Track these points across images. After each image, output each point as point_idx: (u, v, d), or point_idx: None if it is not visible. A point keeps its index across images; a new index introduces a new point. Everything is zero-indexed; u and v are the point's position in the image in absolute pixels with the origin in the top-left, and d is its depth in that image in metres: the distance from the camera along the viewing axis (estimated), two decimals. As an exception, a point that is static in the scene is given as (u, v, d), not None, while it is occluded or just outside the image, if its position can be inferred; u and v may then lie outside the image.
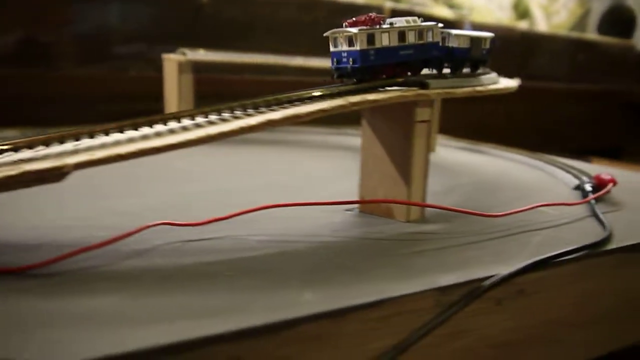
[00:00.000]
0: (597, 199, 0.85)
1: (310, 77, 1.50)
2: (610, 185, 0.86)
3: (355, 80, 0.64)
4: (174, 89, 1.35)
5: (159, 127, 0.55)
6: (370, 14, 0.65)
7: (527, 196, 0.89)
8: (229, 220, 0.65)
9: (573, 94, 2.56)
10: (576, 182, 0.96)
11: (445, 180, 1.00)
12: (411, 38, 0.69)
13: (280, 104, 0.61)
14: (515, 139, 2.35)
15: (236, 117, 0.57)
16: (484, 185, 0.98)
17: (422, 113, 0.69)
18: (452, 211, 0.72)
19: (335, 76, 0.65)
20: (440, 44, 0.74)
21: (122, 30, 1.49)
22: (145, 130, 0.54)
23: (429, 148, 0.71)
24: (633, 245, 0.65)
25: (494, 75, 0.94)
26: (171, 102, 1.36)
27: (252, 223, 0.67)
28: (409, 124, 0.68)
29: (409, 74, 0.70)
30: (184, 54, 1.35)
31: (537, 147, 2.39)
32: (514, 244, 0.64)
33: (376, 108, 0.69)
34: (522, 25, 2.68)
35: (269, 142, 1.37)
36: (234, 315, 0.43)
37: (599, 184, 0.88)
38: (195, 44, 1.59)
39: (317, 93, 0.62)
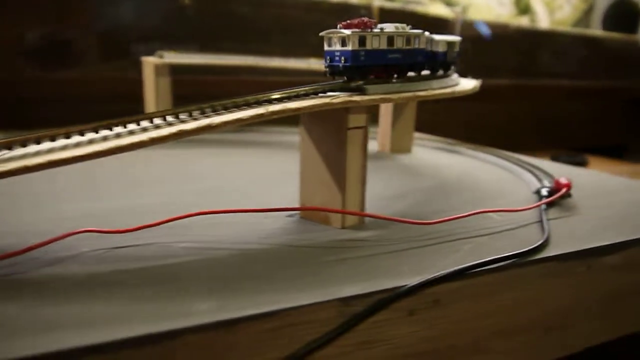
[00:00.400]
0: (552, 204, 0.84)
1: (295, 77, 1.51)
2: (564, 190, 0.84)
3: (345, 78, 0.69)
4: (151, 91, 1.36)
5: (85, 137, 0.55)
6: (364, 18, 0.69)
7: (482, 200, 0.88)
8: (165, 225, 0.66)
9: (575, 91, 2.51)
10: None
11: (404, 183, 0.99)
12: (399, 43, 0.74)
13: (227, 108, 0.61)
14: (515, 137, 2.33)
15: (169, 124, 0.57)
16: (443, 188, 0.97)
17: (355, 119, 0.68)
18: (383, 219, 0.72)
19: (327, 73, 0.70)
20: (426, 49, 0.80)
21: (107, 31, 1.51)
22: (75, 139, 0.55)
23: (365, 154, 0.71)
24: (564, 255, 0.64)
25: (455, 77, 0.93)
26: (150, 104, 1.38)
27: (185, 229, 0.68)
28: (341, 131, 0.68)
29: (395, 75, 0.75)
30: (161, 56, 1.36)
31: (537, 145, 2.36)
32: (441, 252, 0.63)
33: (311, 113, 0.69)
34: (523, 21, 2.64)
35: (233, 143, 1.37)
36: (117, 325, 0.44)
37: (557, 188, 0.87)
38: (180, 45, 1.61)
39: (276, 96, 0.64)
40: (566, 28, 2.64)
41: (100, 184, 0.92)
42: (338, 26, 0.68)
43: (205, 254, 0.61)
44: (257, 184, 0.97)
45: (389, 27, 0.73)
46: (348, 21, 0.68)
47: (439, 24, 2.03)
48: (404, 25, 0.75)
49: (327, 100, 0.64)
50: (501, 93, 2.25)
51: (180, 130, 0.55)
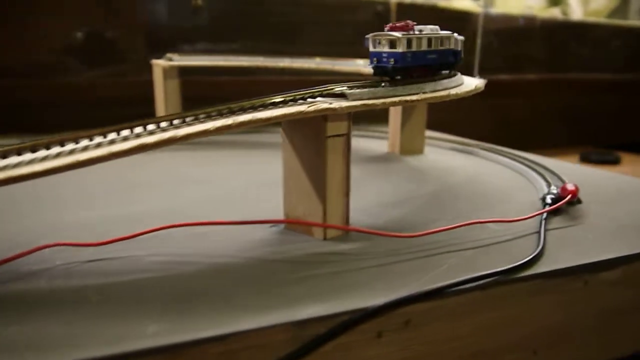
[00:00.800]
0: (558, 211, 0.79)
1: (306, 77, 1.49)
2: (568, 197, 0.79)
3: (392, 78, 0.73)
4: (160, 94, 1.36)
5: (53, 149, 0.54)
6: (408, 21, 0.74)
7: (485, 207, 0.84)
8: (143, 237, 0.65)
9: (609, 85, 2.39)
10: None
11: (407, 188, 0.95)
12: (436, 44, 0.78)
13: (198, 118, 0.60)
14: (544, 134, 2.24)
15: (137, 135, 0.55)
16: (447, 193, 0.93)
17: (334, 127, 0.65)
18: (362, 232, 0.68)
19: (374, 73, 0.73)
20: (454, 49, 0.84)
21: (118, 35, 1.53)
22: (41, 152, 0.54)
23: (347, 163, 0.68)
24: (556, 271, 0.60)
25: (458, 77, 0.89)
26: (160, 107, 1.38)
27: (161, 241, 0.66)
28: (320, 139, 0.65)
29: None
30: (170, 59, 1.36)
31: (568, 142, 2.26)
32: (422, 267, 0.59)
33: (291, 120, 0.66)
34: (555, 12, 2.52)
35: (237, 144, 1.36)
36: (63, 348, 0.43)
37: (563, 195, 0.81)
38: (194, 45, 1.61)
39: (278, 99, 0.63)
40: (599, 19, 2.51)
41: (87, 190, 0.91)
42: (385, 29, 0.72)
43: (174, 269, 0.60)
44: (251, 190, 0.95)
45: (426, 29, 0.77)
46: (395, 24, 0.72)
47: (460, 18, 1.96)
48: (437, 27, 0.79)
49: (301, 108, 0.62)
50: (529, 88, 2.17)
51: (141, 144, 0.53)
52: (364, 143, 1.39)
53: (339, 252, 0.64)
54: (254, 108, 0.63)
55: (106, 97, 1.51)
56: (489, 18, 2.01)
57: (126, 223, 0.71)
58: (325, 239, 0.68)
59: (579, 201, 0.85)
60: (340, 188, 0.68)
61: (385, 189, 0.95)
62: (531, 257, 0.60)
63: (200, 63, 1.37)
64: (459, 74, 0.93)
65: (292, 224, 0.71)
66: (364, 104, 0.67)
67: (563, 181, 0.95)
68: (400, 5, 1.84)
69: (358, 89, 0.69)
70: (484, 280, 0.56)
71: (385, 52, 0.70)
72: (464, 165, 1.16)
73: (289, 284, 0.55)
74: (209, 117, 0.60)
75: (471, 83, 0.90)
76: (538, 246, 0.64)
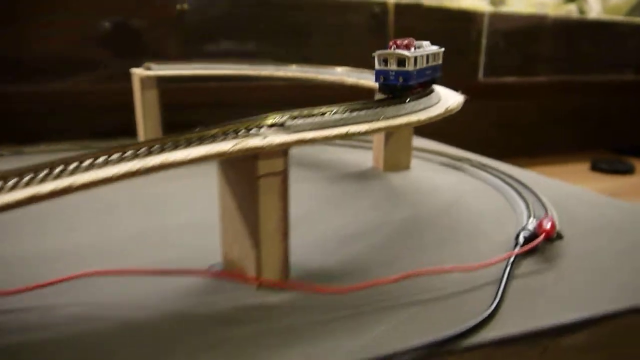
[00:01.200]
0: (533, 250, 0.71)
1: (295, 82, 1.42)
2: (541, 237, 0.71)
3: (397, 96, 0.72)
4: (139, 104, 1.32)
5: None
6: (411, 39, 0.74)
7: (454, 242, 0.77)
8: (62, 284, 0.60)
9: (624, 86, 2.26)
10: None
11: (376, 215, 0.88)
12: (432, 60, 0.78)
13: (137, 153, 0.54)
14: (553, 138, 2.12)
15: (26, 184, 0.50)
16: (419, 221, 0.85)
17: (267, 165, 0.59)
18: (293, 289, 0.62)
19: (380, 91, 0.73)
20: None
21: (103, 42, 1.48)
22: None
23: (286, 203, 0.61)
24: (505, 339, 0.52)
25: (433, 96, 0.81)
26: (139, 118, 1.34)
27: (82, 287, 0.61)
28: (251, 179, 0.59)
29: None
30: (148, 68, 1.31)
31: (578, 146, 2.14)
32: (348, 333, 0.53)
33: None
34: (571, 9, 2.39)
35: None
36: None
37: (539, 232, 0.73)
38: (178, 52, 1.56)
39: (217, 131, 0.57)
40: (615, 17, 2.37)
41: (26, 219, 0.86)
42: (392, 47, 0.71)
43: (79, 326, 0.54)
44: (208, 220, 0.89)
45: (422, 45, 0.76)
46: (398, 41, 0.71)
47: (463, 18, 1.87)
48: (428, 42, 0.78)
49: (223, 147, 0.55)
50: (537, 90, 2.06)
51: (34, 195, 0.48)
52: (349, 155, 1.32)
53: (269, 306, 0.58)
54: (190, 143, 0.57)
55: (90, 104, 1.47)
56: (495, 17, 1.90)
57: (49, 262, 0.66)
58: (260, 285, 0.62)
59: (560, 236, 0.77)
60: (276, 231, 0.61)
61: (352, 216, 0.88)
62: (479, 320, 0.53)
63: (179, 72, 1.32)
64: (436, 89, 0.86)
65: (228, 264, 0.66)
66: (300, 139, 0.60)
67: (546, 209, 0.87)
68: (398, 6, 1.75)
69: (303, 118, 0.63)
70: (413, 353, 0.49)
71: (392, 71, 0.69)
72: (448, 185, 1.08)
73: (199, 350, 0.50)
74: (135, 155, 0.54)
75: (445, 102, 0.82)
76: (492, 304, 0.57)
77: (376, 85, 1.02)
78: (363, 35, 1.75)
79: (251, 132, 0.60)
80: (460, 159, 1.25)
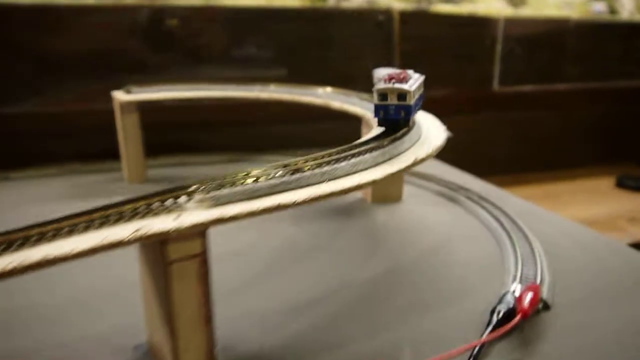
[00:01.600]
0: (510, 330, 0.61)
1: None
2: (517, 318, 0.61)
3: (398, 130, 0.71)
4: (120, 128, 1.26)
5: None
6: (404, 71, 0.73)
7: (418, 313, 0.67)
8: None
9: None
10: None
11: (342, 272, 0.79)
12: (419, 90, 0.76)
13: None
14: (576, 150, 1.97)
15: None
16: (387, 284, 0.76)
17: (180, 249, 0.51)
18: None
19: (379, 125, 0.72)
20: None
21: (87, 61, 1.43)
22: None
23: (206, 288, 0.53)
24: None
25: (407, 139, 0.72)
26: (121, 142, 1.28)
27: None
28: (161, 264, 0.51)
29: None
30: (129, 91, 1.25)
31: (602, 158, 1.98)
32: None
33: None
34: (600, 7, 2.21)
35: None
36: None
37: (518, 309, 0.63)
38: (169, 70, 1.49)
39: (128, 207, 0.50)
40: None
41: None
42: (391, 81, 0.69)
43: None
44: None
45: (413, 76, 0.74)
46: (394, 75, 0.70)
47: (475, 24, 1.74)
48: (411, 71, 0.76)
49: (122, 235, 0.48)
50: (558, 99, 1.91)
51: None
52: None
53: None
54: (88, 226, 0.49)
55: (76, 125, 1.43)
56: (511, 22, 1.76)
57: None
58: (179, 380, 0.54)
59: (546, 306, 0.67)
60: (196, 318, 0.54)
61: (314, 274, 0.79)
62: None
63: (160, 96, 1.25)
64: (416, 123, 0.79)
65: (153, 347, 0.58)
66: (219, 219, 0.52)
67: (536, 267, 0.76)
68: (403, 14, 1.64)
69: (230, 187, 0.55)
70: None
71: (393, 105, 0.69)
72: (437, 224, 0.98)
73: None
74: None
75: (426, 140, 0.74)
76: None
77: (361, 111, 0.97)
78: (367, 46, 1.65)
79: (166, 205, 0.53)
80: (457, 189, 1.14)
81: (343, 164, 0.62)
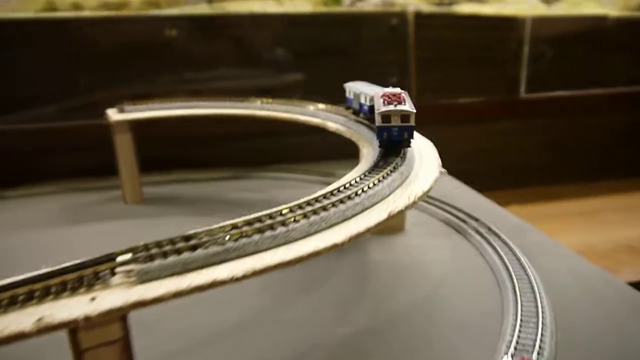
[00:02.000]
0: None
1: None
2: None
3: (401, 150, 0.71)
4: (116, 146, 1.21)
5: None
6: (401, 92, 0.72)
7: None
8: None
9: None
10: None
11: (319, 329, 0.71)
12: None
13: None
14: (615, 160, 1.82)
15: None
16: (368, 341, 0.68)
17: (94, 336, 0.45)
18: None
19: (381, 146, 0.72)
20: None
21: (87, 77, 1.39)
22: None
23: None
24: None
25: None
26: (119, 162, 1.23)
27: None
28: (76, 351, 0.45)
29: None
30: (122, 110, 1.20)
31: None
32: None
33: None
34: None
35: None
36: None
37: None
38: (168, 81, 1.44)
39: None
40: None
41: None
42: (393, 103, 0.69)
43: None
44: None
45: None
46: (391, 95, 0.71)
47: (498, 26, 1.61)
48: (398, 88, 0.75)
49: (23, 327, 0.41)
50: (594, 104, 1.76)
51: None
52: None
53: None
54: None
55: (72, 141, 1.40)
56: (540, 22, 1.63)
57: None
58: None
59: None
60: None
61: (292, 329, 0.71)
62: None
63: (153, 115, 1.20)
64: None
65: None
66: (139, 302, 0.45)
67: (537, 328, 0.66)
68: (419, 16, 1.53)
69: (161, 258, 0.48)
70: None
71: (396, 127, 0.69)
72: (437, 264, 0.89)
73: None
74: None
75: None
76: None
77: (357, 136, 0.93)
78: (380, 52, 1.55)
79: (86, 280, 0.46)
80: (467, 219, 1.04)
81: (301, 223, 0.55)
